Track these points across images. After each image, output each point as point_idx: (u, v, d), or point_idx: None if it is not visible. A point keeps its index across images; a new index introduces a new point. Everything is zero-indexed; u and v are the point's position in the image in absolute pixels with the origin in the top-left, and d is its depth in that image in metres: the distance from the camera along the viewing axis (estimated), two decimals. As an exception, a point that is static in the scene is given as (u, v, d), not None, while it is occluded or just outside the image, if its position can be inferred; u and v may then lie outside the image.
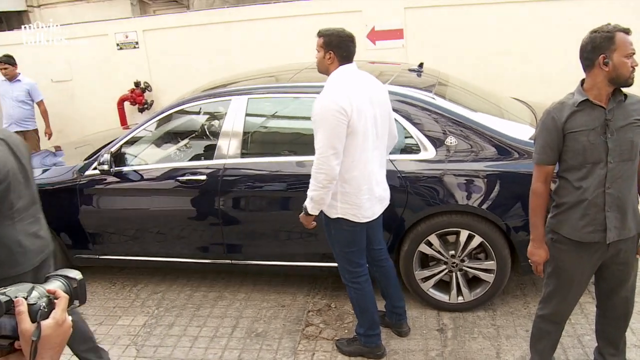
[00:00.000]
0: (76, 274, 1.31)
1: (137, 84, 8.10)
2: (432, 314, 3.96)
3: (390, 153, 3.59)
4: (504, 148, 3.71)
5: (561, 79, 5.13)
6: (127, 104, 8.17)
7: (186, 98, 4.47)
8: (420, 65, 4.73)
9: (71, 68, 8.32)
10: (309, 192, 3.10)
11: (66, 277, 1.30)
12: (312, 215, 3.16)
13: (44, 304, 1.18)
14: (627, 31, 2.51)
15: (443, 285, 3.96)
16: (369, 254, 3.48)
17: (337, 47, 3.11)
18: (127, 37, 8.09)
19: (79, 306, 1.32)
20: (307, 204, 3.14)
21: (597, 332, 3.10)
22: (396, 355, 3.55)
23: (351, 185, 3.11)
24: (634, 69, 2.50)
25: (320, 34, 3.18)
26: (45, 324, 1.17)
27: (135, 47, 8.15)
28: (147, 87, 8.19)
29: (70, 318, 1.23)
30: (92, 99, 8.35)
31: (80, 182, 4.41)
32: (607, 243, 2.66)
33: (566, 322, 3.05)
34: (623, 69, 2.48)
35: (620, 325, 2.98)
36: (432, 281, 3.93)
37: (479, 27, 7.08)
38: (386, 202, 3.39)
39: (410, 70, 4.71)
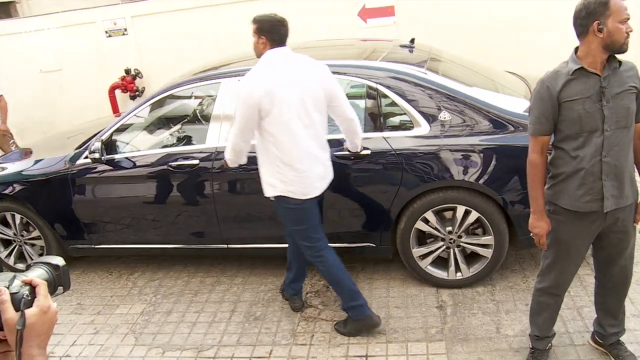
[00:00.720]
0: (59, 261, 1.29)
1: (127, 71, 8.02)
2: (431, 291, 3.94)
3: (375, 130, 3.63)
4: (498, 122, 3.66)
5: (554, 50, 5.07)
6: (118, 91, 8.09)
7: (176, 82, 4.41)
8: (412, 41, 4.67)
9: (60, 58, 8.22)
10: (225, 154, 3.42)
11: (49, 264, 1.28)
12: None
13: (27, 292, 1.16)
14: None
15: (441, 262, 3.93)
16: None
17: (269, 32, 3.26)
18: (115, 24, 7.99)
19: (63, 293, 1.30)
20: (226, 159, 3.45)
21: (596, 303, 3.08)
22: (396, 334, 3.53)
23: (287, 165, 3.24)
24: (628, 34, 2.45)
25: (254, 21, 3.31)
26: (30, 312, 1.14)
27: (124, 34, 8.05)
28: (138, 74, 8.11)
29: (55, 305, 1.21)
30: (82, 89, 8.26)
31: (72, 172, 4.36)
32: (605, 212, 2.63)
33: (565, 295, 3.02)
34: (618, 35, 2.43)
35: (619, 295, 2.96)
36: (430, 258, 3.90)
37: (470, 2, 7.00)
38: (328, 180, 3.44)
39: (402, 46, 4.65)
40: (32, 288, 1.18)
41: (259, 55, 3.32)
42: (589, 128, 2.54)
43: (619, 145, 2.55)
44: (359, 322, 3.53)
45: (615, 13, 2.42)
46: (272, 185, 3.33)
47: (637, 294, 3.61)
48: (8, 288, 1.14)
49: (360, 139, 3.58)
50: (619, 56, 2.55)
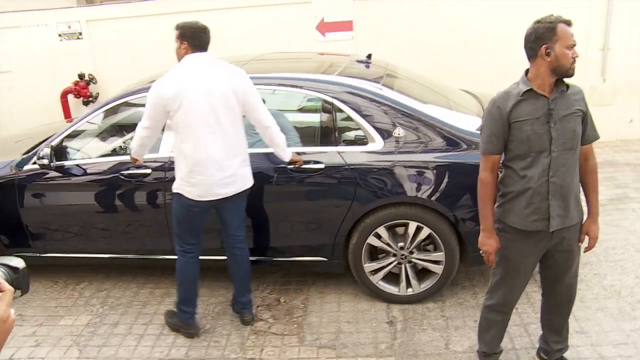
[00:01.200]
0: (18, 262, 1.25)
1: (81, 76, 7.83)
2: (381, 307, 3.95)
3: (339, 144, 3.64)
4: (452, 139, 3.72)
5: (509, 70, 5.19)
6: (71, 96, 7.90)
7: (131, 90, 4.33)
8: (369, 56, 4.72)
9: (9, 59, 7.99)
10: (131, 144, 3.62)
11: (7, 266, 1.23)
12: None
13: None
14: (568, 22, 2.54)
15: (392, 277, 3.95)
16: (226, 239, 3.73)
17: (190, 38, 3.41)
18: (69, 27, 7.81)
19: (21, 296, 1.25)
20: (131, 148, 3.65)
21: (542, 320, 3.14)
22: (346, 349, 3.53)
23: (187, 165, 3.39)
24: (574, 60, 2.53)
25: (176, 27, 3.45)
26: None
27: (78, 38, 7.87)
28: (92, 80, 7.93)
29: (13, 312, 1.16)
30: (33, 92, 8.02)
31: (19, 177, 4.23)
32: (551, 231, 2.68)
33: (512, 312, 3.07)
34: (564, 60, 2.51)
35: (563, 313, 3.03)
36: (382, 273, 3.91)
37: (429, 19, 7.12)
38: (233, 189, 3.49)
39: (358, 61, 4.69)
40: None
41: (180, 59, 3.44)
42: (537, 149, 2.61)
43: (565, 166, 2.62)
44: (181, 324, 3.77)
45: (562, 39, 2.50)
46: (176, 180, 3.50)
47: (581, 310, 3.70)
48: None
49: (283, 149, 3.61)
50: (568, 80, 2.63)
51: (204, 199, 3.44)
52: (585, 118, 2.67)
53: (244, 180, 3.54)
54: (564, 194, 2.65)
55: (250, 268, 3.83)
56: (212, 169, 3.37)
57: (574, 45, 2.53)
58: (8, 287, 1.15)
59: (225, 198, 3.49)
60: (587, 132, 2.70)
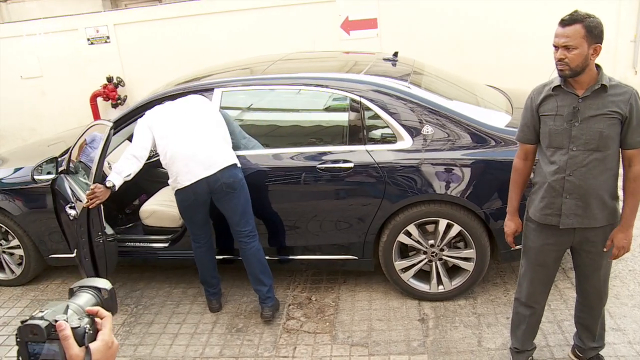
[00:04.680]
0: (105, 284, 1.22)
1: (109, 79, 7.98)
2: (413, 304, 3.96)
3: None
4: (480, 136, 3.70)
5: (535, 66, 5.15)
6: (100, 99, 8.04)
7: (158, 93, 4.37)
8: (395, 54, 4.71)
9: (41, 64, 8.15)
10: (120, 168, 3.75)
11: (95, 287, 1.21)
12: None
13: (88, 325, 1.10)
14: (562, 22, 2.50)
15: (423, 275, 3.95)
16: (233, 234, 3.87)
17: None
18: (97, 31, 7.95)
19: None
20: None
21: (575, 317, 3.12)
22: (378, 347, 3.54)
23: (171, 171, 3.72)
24: (560, 60, 2.50)
25: None
26: (95, 347, 1.09)
27: (106, 42, 8.02)
28: (120, 82, 8.07)
29: (115, 338, 1.15)
30: (63, 96, 8.21)
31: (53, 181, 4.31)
32: (561, 228, 2.69)
33: (544, 308, 3.06)
34: (555, 59, 2.53)
35: (593, 312, 3.00)
36: (412, 271, 3.92)
37: (453, 16, 7.09)
38: (213, 169, 3.66)
39: (385, 59, 4.68)
40: (92, 320, 1.12)
41: None
42: (556, 144, 2.62)
43: (587, 166, 2.57)
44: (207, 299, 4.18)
45: (554, 38, 2.52)
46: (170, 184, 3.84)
47: (617, 307, 3.66)
48: (66, 321, 1.07)
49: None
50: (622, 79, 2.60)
51: (191, 182, 3.65)
52: (626, 121, 2.53)
53: (225, 159, 3.71)
54: (583, 195, 2.61)
55: (262, 262, 3.85)
56: (193, 167, 3.64)
57: (557, 46, 2.50)
58: (107, 314, 1.14)
59: (217, 195, 3.69)
60: (630, 137, 2.55)
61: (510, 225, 2.96)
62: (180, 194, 3.74)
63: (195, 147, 3.67)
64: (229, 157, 3.74)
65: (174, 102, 3.95)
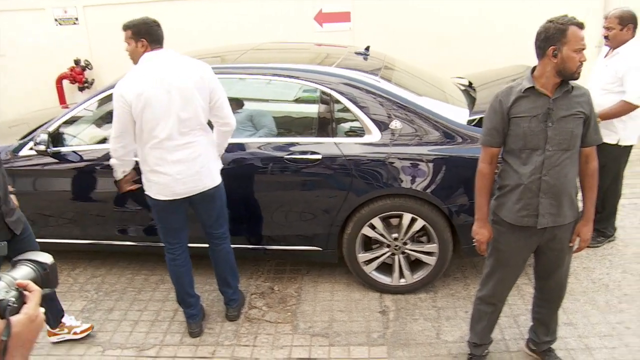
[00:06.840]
0: (47, 258, 1.22)
1: (77, 62, 7.82)
2: (374, 297, 4.00)
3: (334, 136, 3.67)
4: (448, 132, 3.75)
5: (510, 62, 5.22)
6: (66, 82, 7.88)
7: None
8: (367, 48, 4.74)
9: (4, 42, 7.94)
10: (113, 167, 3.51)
11: (36, 261, 1.20)
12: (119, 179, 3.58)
13: (13, 298, 1.09)
14: (580, 25, 2.53)
15: (386, 267, 4.00)
16: (206, 235, 3.67)
17: (148, 34, 3.24)
18: (66, 12, 7.78)
19: (49, 292, 1.23)
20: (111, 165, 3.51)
21: (533, 312, 3.21)
22: (338, 337, 3.58)
23: (148, 165, 3.32)
24: (581, 63, 2.54)
25: (127, 27, 3.28)
26: (16, 320, 1.07)
27: (75, 23, 7.85)
28: (88, 65, 7.92)
29: (42, 311, 1.14)
30: (28, 76, 8.00)
31: (14, 163, 4.23)
32: (539, 228, 2.73)
33: (504, 304, 3.13)
34: (570, 63, 2.52)
35: (552, 308, 3.10)
36: (375, 264, 3.96)
37: (427, 10, 7.14)
38: (198, 187, 3.39)
39: (356, 53, 4.71)
40: (19, 293, 1.11)
41: (136, 61, 3.29)
42: (531, 146, 2.65)
43: (560, 165, 2.65)
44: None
45: (572, 42, 2.50)
46: (145, 183, 3.44)
47: (570, 303, 3.76)
48: None
49: (220, 152, 3.59)
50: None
51: (167, 198, 3.36)
52: (587, 120, 2.65)
53: (210, 178, 3.43)
54: (556, 193, 2.68)
55: (231, 265, 3.78)
56: (171, 167, 3.29)
57: (583, 49, 2.53)
58: (36, 288, 1.14)
59: (193, 196, 3.41)
60: (589, 135, 2.69)
61: (483, 233, 2.87)
62: (153, 201, 3.46)
63: (185, 153, 3.34)
64: (214, 174, 3.48)
65: None
